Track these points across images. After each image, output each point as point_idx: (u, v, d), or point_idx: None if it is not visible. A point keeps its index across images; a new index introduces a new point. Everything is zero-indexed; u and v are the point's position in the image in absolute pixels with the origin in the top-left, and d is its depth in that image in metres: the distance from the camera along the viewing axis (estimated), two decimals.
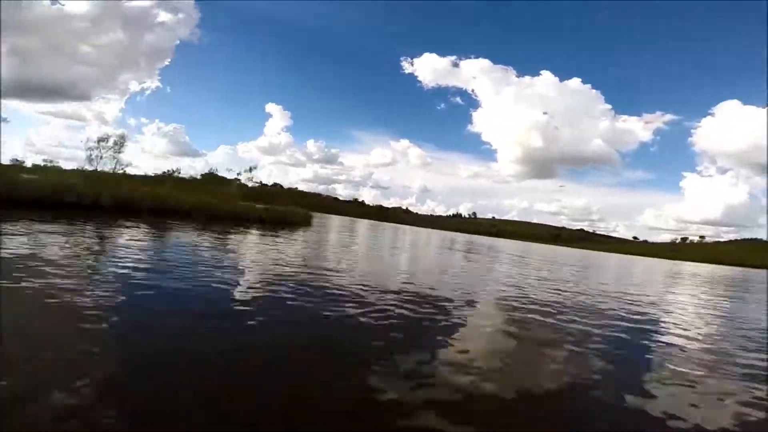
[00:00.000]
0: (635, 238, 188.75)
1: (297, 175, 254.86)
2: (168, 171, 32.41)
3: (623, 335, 5.47)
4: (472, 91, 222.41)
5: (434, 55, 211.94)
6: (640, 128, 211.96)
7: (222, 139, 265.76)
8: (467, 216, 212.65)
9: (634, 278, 18.62)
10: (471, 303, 6.33)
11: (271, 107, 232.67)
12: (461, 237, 63.25)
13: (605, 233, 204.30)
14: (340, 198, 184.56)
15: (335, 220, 53.16)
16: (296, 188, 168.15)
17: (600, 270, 21.89)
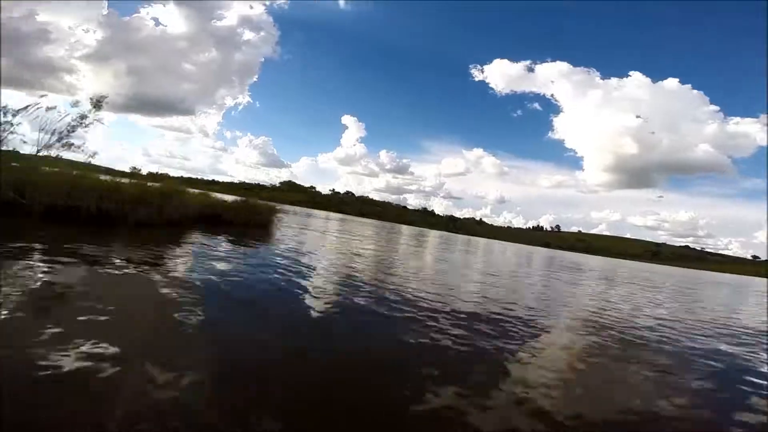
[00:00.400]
0: (755, 257, 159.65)
1: (370, 184, 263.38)
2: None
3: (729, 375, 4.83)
4: (552, 96, 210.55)
5: (505, 61, 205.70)
6: (757, 130, 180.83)
7: (304, 151, 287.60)
8: (549, 229, 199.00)
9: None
10: (546, 327, 6.08)
11: (346, 119, 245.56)
12: (542, 252, 59.52)
13: (714, 251, 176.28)
14: (410, 207, 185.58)
15: (393, 229, 53.24)
16: (367, 197, 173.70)
17: (724, 295, 19.12)
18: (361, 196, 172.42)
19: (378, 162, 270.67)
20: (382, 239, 21.88)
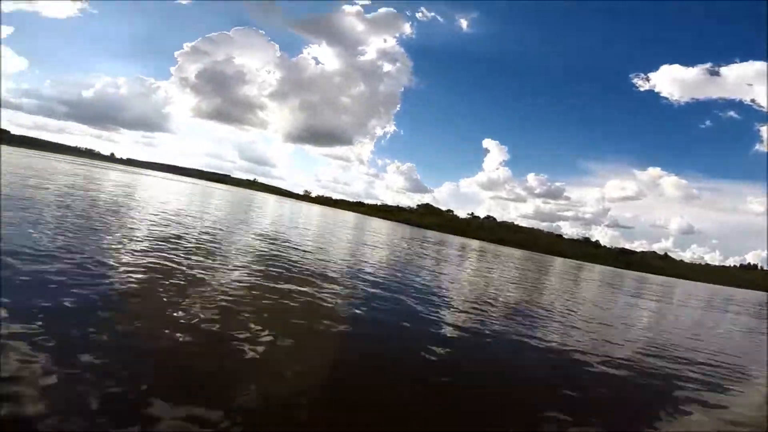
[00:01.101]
0: None
1: (516, 210, 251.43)
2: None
3: None
4: (752, 101, 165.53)
5: (676, 66, 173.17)
6: None
7: (446, 176, 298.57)
8: (765, 268, 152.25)
9: None
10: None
11: (487, 142, 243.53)
12: (750, 295, 45.35)
13: None
14: (566, 236, 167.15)
15: (542, 262, 48.34)
16: (512, 223, 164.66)
17: None
18: (505, 222, 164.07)
19: (525, 186, 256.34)
20: (532, 273, 19.74)
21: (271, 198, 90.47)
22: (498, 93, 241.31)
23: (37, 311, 3.29)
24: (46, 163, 33.11)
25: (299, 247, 10.88)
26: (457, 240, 61.07)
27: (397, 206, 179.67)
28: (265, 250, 9.14)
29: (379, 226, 52.32)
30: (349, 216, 71.13)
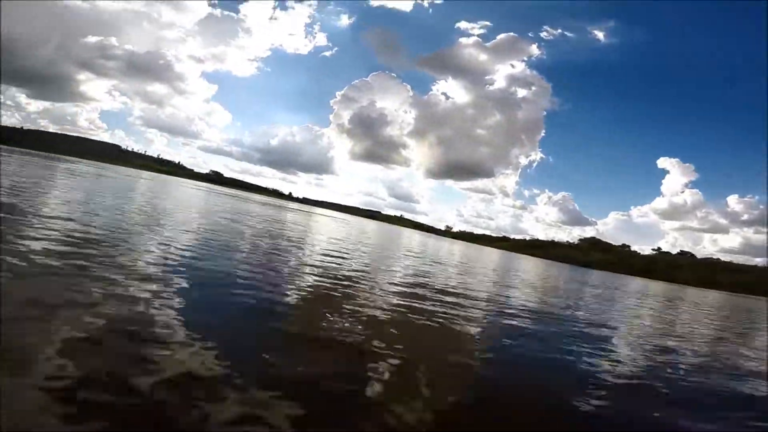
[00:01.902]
0: None
1: (714, 243, 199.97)
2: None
3: None
4: None
5: None
6: None
7: (612, 205, 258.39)
8: None
9: None
10: None
11: (664, 162, 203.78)
12: None
13: None
14: None
15: None
16: (717, 259, 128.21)
17: None
18: (708, 259, 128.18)
19: (725, 212, 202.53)
20: None
21: (416, 234, 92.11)
22: (668, 104, 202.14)
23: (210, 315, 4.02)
24: (249, 206, 38.68)
25: (443, 284, 10.27)
26: (642, 283, 47.07)
27: (551, 241, 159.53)
28: (410, 286, 8.75)
29: (531, 265, 42.52)
30: (494, 253, 62.73)
